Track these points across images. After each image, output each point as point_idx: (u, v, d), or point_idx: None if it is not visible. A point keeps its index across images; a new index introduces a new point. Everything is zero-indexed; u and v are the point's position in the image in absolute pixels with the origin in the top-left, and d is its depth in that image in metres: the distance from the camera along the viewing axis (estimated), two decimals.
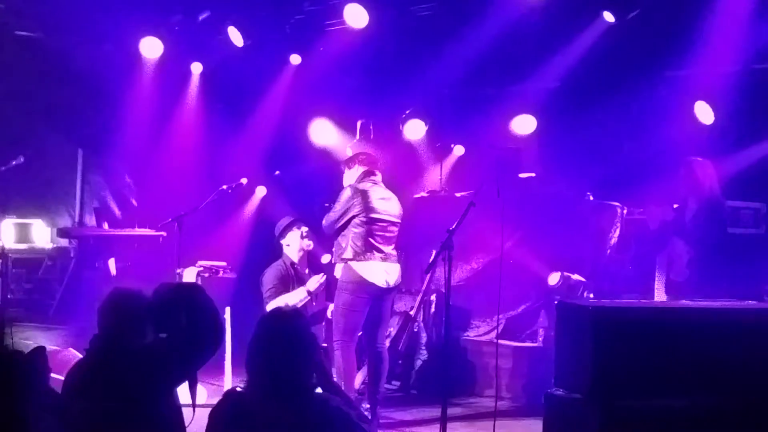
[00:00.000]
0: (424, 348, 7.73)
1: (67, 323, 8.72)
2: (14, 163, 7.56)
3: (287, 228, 6.83)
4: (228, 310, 6.40)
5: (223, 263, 6.80)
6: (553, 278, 7.28)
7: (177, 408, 3.84)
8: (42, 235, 10.50)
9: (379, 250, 6.29)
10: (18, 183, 9.87)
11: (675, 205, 6.86)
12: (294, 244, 6.80)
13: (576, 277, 7.27)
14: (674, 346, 4.12)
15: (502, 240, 5.24)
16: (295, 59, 8.96)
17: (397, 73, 8.73)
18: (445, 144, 8.83)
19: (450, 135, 8.91)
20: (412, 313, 7.66)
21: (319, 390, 3.26)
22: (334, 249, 6.49)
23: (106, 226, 9.71)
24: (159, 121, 9.58)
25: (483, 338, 7.75)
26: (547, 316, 7.43)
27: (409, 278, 7.60)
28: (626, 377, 4.07)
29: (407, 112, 8.83)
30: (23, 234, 10.40)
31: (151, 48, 9.03)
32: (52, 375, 3.89)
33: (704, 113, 7.38)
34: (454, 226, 4.96)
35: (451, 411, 6.77)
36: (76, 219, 10.77)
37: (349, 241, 6.26)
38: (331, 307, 6.59)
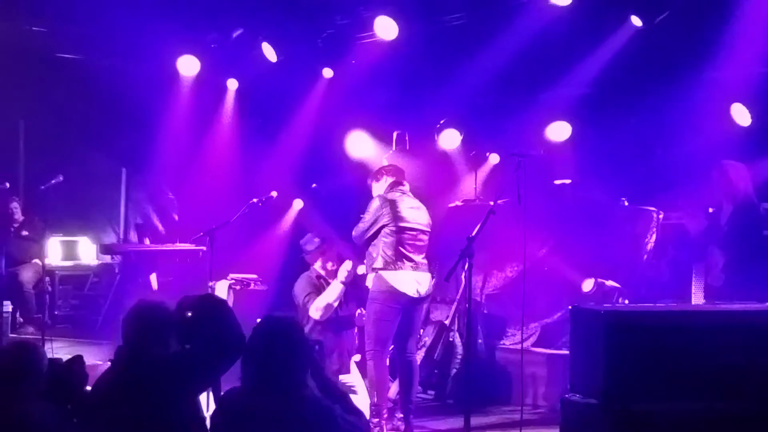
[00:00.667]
0: (459, 357, 7.71)
1: (112, 338, 8.84)
2: (54, 182, 7.71)
3: (314, 253, 6.87)
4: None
5: (254, 276, 6.88)
6: (588, 285, 7.22)
7: (200, 418, 3.93)
8: (88, 252, 10.71)
9: (410, 259, 6.32)
10: (64, 202, 10.06)
11: (710, 209, 6.76)
12: (319, 266, 6.86)
13: (610, 283, 7.20)
14: (688, 349, 4.08)
15: (524, 247, 5.23)
16: (328, 73, 9.04)
17: (430, 83, 8.75)
18: (480, 153, 8.82)
19: (485, 143, 8.90)
20: (447, 322, 7.67)
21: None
22: (365, 260, 6.54)
23: (147, 241, 9.89)
24: (197, 137, 9.75)
25: (518, 346, 7.70)
26: None
27: (444, 287, 7.61)
28: (641, 381, 4.04)
29: (442, 121, 8.85)
30: (70, 251, 10.62)
31: (188, 66, 9.23)
32: None
33: (741, 115, 7.27)
34: (474, 233, 4.96)
35: (484, 420, 6.82)
36: (121, 236, 10.98)
37: (379, 251, 6.30)
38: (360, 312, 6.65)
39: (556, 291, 7.64)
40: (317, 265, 6.86)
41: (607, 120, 8.05)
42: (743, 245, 6.34)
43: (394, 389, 6.79)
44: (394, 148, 9.05)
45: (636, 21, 7.21)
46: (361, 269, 6.83)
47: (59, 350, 7.17)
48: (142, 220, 10.72)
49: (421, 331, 7.41)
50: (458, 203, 8.52)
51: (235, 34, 8.75)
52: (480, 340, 7.81)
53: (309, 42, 8.67)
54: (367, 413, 6.42)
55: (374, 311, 6.30)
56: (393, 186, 6.51)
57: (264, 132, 9.62)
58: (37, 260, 9.35)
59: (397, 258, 6.28)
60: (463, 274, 5.70)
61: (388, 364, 6.52)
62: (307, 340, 3.45)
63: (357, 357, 6.88)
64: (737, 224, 6.41)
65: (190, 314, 3.87)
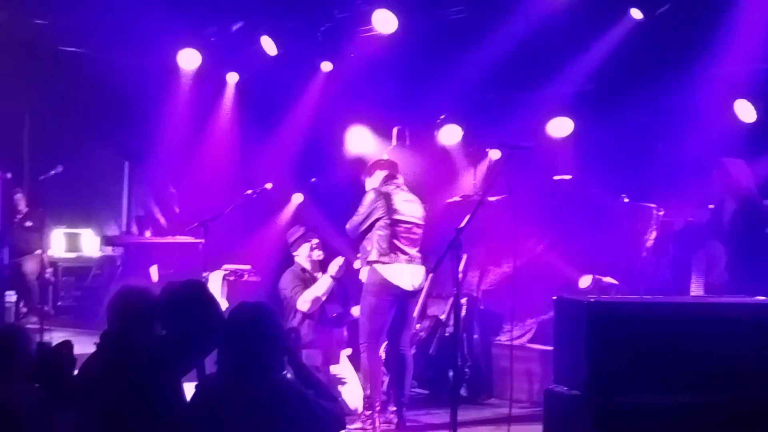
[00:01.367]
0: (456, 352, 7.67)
1: None
2: (53, 172, 7.79)
3: (299, 240, 6.90)
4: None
5: (248, 267, 6.90)
6: (584, 281, 7.17)
7: (183, 401, 3.94)
8: (90, 244, 10.78)
9: (404, 252, 6.31)
10: (67, 195, 10.18)
11: (710, 206, 6.71)
12: (304, 254, 6.89)
13: (608, 279, 7.14)
14: (672, 341, 4.04)
15: (515, 240, 5.19)
16: (327, 66, 9.03)
17: (431, 78, 8.71)
18: (480, 148, 8.78)
19: (486, 139, 8.85)
20: (442, 317, 7.64)
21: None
22: (360, 253, 6.53)
23: (148, 234, 9.92)
24: (198, 130, 9.78)
25: (515, 342, 7.66)
26: None
27: (440, 282, 7.57)
28: (624, 373, 4.01)
29: (442, 117, 8.82)
30: (73, 243, 10.70)
31: (188, 59, 9.25)
32: None
33: (745, 111, 7.19)
34: (462, 225, 4.93)
35: (474, 415, 6.78)
36: (123, 228, 11.03)
37: (374, 244, 6.29)
38: (356, 309, 6.63)
39: (554, 287, 7.57)
40: (303, 256, 6.88)
41: (609, 116, 7.98)
42: (746, 242, 6.27)
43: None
44: (394, 143, 9.03)
45: (636, 13, 7.15)
46: (356, 264, 6.82)
47: (61, 340, 7.18)
48: (144, 213, 10.76)
49: (417, 326, 7.39)
50: (456, 198, 8.48)
51: (234, 28, 8.75)
52: (476, 336, 7.77)
53: (308, 35, 8.65)
54: (360, 405, 6.42)
55: (368, 304, 6.29)
56: (387, 179, 6.49)
57: (264, 125, 9.62)
58: (40, 251, 9.42)
59: (392, 250, 6.27)
60: (460, 267, 5.69)
61: (383, 357, 6.50)
62: (280, 325, 3.47)
63: (348, 351, 6.87)
64: (740, 222, 6.34)
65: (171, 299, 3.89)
